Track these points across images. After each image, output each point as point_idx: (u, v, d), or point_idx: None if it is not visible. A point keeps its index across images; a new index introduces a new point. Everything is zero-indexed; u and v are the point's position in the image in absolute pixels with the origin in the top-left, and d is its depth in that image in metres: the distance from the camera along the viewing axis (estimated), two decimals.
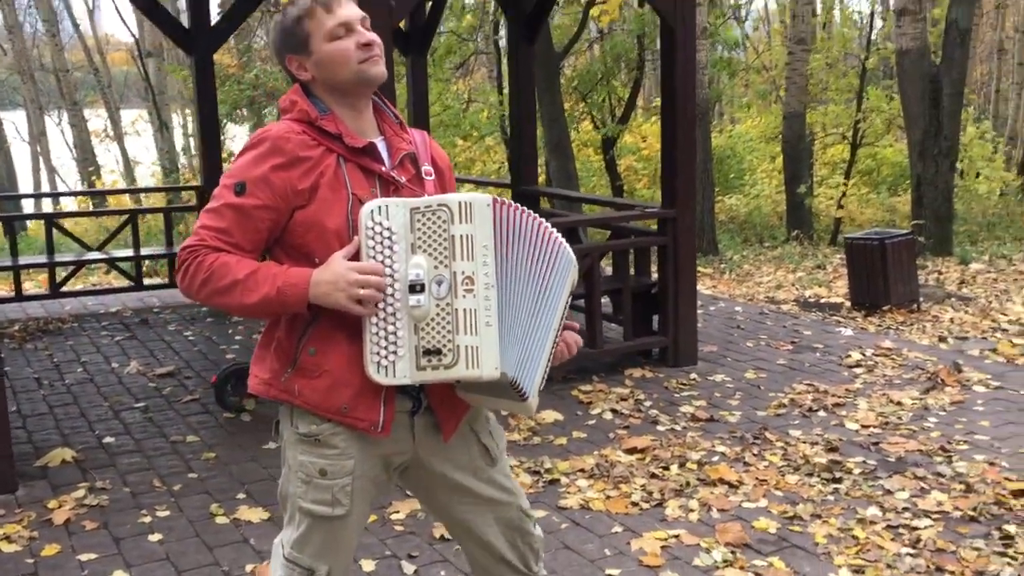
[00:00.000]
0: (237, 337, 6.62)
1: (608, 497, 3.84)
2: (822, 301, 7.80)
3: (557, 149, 13.08)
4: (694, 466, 4.13)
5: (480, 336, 1.85)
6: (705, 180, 13.69)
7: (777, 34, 22.52)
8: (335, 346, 1.95)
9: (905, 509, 3.66)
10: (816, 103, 17.48)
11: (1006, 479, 3.87)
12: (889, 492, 3.82)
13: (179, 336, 6.68)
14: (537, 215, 1.97)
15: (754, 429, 4.53)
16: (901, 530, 3.50)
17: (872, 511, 3.64)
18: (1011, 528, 3.45)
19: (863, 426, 4.55)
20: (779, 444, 4.35)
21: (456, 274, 1.85)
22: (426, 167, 2.09)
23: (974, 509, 3.62)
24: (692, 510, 3.71)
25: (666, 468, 4.12)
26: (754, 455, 4.23)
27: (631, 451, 4.31)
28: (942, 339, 6.28)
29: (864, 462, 4.11)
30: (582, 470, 4.12)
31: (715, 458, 4.21)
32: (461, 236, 1.86)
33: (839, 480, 3.94)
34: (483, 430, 2.16)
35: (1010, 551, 3.30)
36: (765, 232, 16.58)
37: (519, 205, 1.95)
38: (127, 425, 4.86)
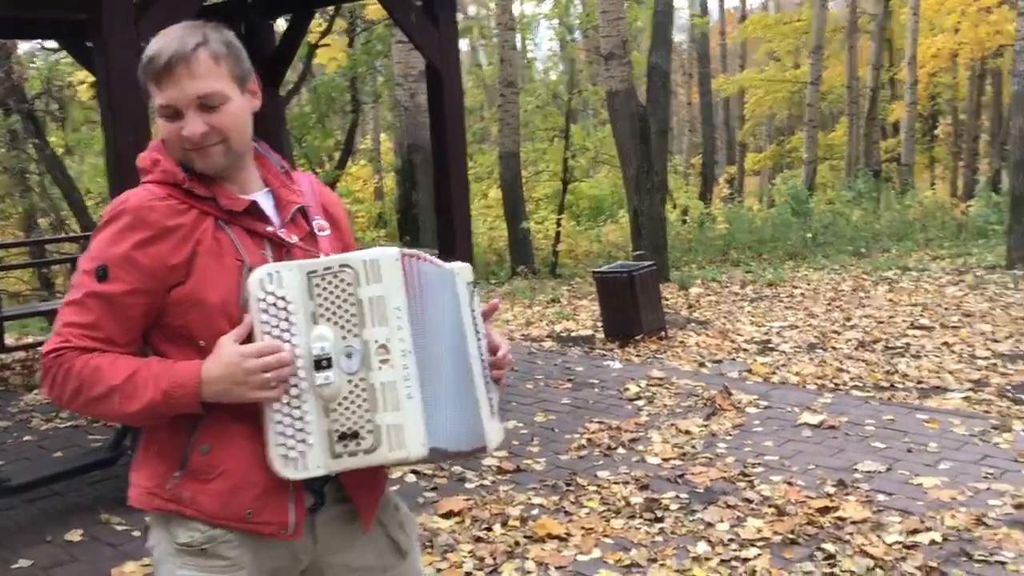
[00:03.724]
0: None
1: (439, 571, 3.58)
2: (575, 334, 7.98)
3: None
4: (517, 523, 3.96)
5: (402, 411, 1.61)
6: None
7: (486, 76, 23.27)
8: (232, 440, 1.65)
9: (731, 540, 3.71)
10: (527, 141, 18.20)
11: (808, 497, 4.06)
12: (710, 525, 3.87)
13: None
14: (436, 258, 1.78)
15: (563, 475, 4.45)
16: (734, 563, 3.54)
17: (702, 547, 3.66)
18: (829, 547, 3.59)
19: (664, 459, 4.62)
20: (592, 488, 4.30)
21: (368, 343, 1.61)
22: (318, 221, 1.81)
23: (792, 532, 3.74)
24: (530, 572, 3.54)
25: (489, 529, 3.92)
26: (572, 503, 4.14)
27: (448, 515, 4.07)
28: (701, 364, 6.60)
29: (677, 496, 4.15)
30: None
31: (535, 511, 4.07)
32: (370, 299, 1.62)
33: (661, 519, 3.94)
34: (392, 522, 1.89)
35: (837, 570, 3.43)
36: (486, 269, 16.95)
37: (421, 253, 1.74)
38: None
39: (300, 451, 1.62)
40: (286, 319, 1.63)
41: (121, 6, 3.94)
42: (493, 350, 1.85)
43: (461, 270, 1.83)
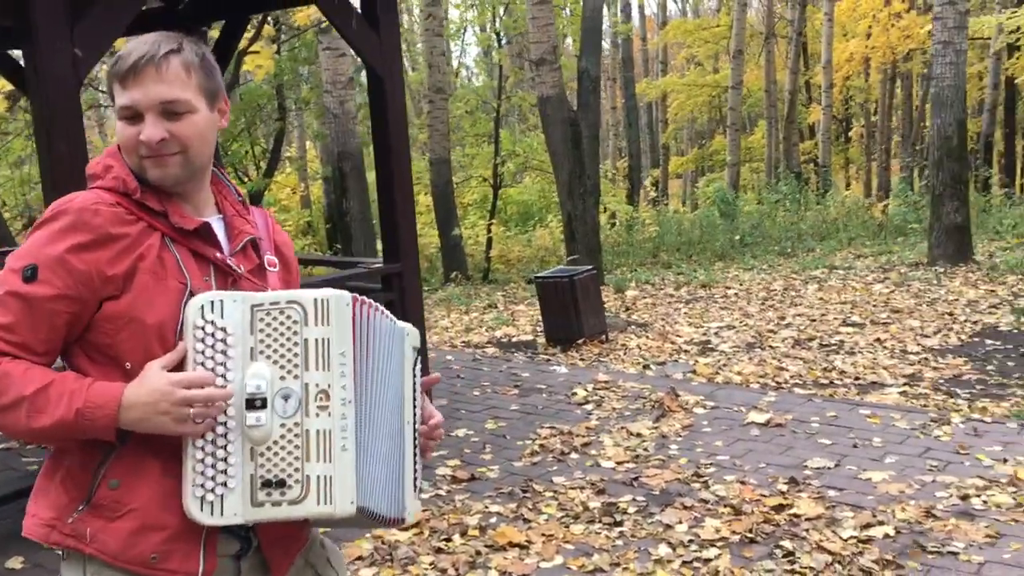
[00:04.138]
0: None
1: None
2: (516, 340, 7.98)
3: None
4: (476, 532, 3.93)
5: (334, 464, 1.54)
6: (367, 231, 13.64)
7: (412, 82, 23.15)
8: (145, 476, 1.54)
9: (691, 541, 3.74)
10: (456, 147, 18.15)
11: (762, 496, 4.11)
12: (669, 527, 3.89)
13: None
14: (382, 308, 1.71)
15: (519, 482, 4.43)
16: (696, 563, 3.57)
17: (663, 549, 3.68)
18: (787, 544, 3.64)
19: (618, 463, 4.63)
20: (549, 495, 4.29)
21: (308, 387, 1.53)
22: (269, 256, 1.74)
23: (750, 531, 3.79)
24: None
25: (449, 539, 3.88)
26: (530, 510, 4.13)
27: (405, 527, 4.01)
28: (645, 366, 6.66)
29: (634, 499, 4.16)
30: (360, 558, 3.75)
31: (493, 519, 4.04)
32: (316, 340, 1.54)
33: (620, 523, 3.95)
34: (320, 561, 1.81)
35: (797, 567, 3.48)
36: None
37: (372, 301, 1.67)
38: None
39: (218, 494, 1.51)
40: (223, 351, 1.53)
41: (55, 12, 3.80)
42: (427, 419, 1.80)
43: (411, 332, 1.76)
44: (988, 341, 7.02)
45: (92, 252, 1.52)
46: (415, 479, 1.75)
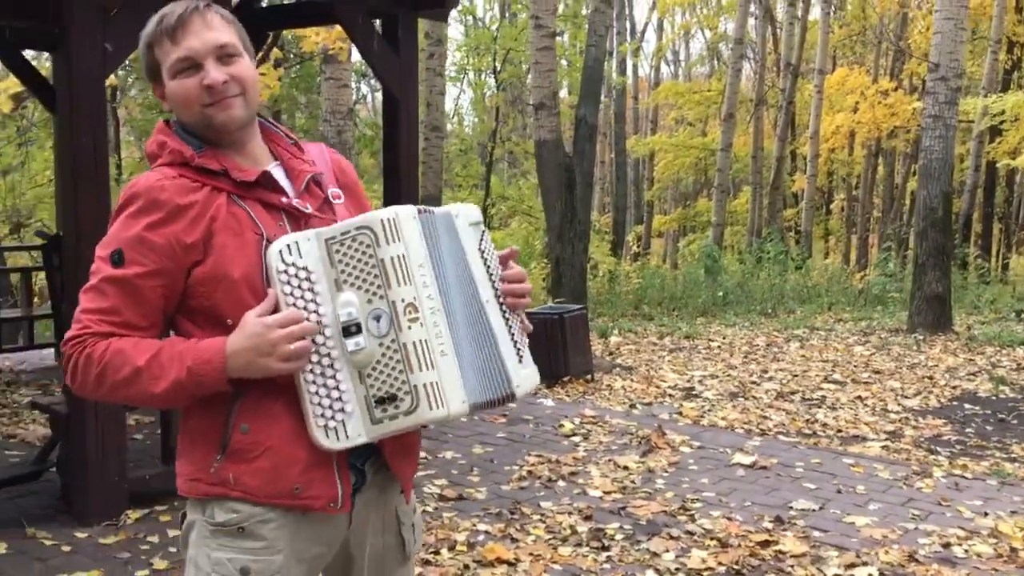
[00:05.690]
0: None
1: None
2: None
3: None
4: (464, 547, 3.94)
5: (438, 369, 1.60)
6: None
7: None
8: (271, 417, 1.63)
9: (677, 570, 3.77)
10: (448, 187, 18.30)
11: (748, 532, 4.15)
12: (656, 554, 3.92)
13: None
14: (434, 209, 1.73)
15: (507, 504, 4.45)
16: None
17: (650, 575, 3.71)
18: None
19: (605, 492, 4.66)
20: (536, 517, 4.31)
21: (395, 304, 1.59)
22: (333, 189, 1.80)
23: (736, 563, 3.82)
24: None
25: (437, 553, 3.89)
26: (518, 530, 4.14)
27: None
28: (631, 405, 6.71)
29: (621, 527, 4.19)
30: None
31: (481, 537, 4.06)
32: (392, 258, 1.59)
33: (607, 547, 3.97)
34: (407, 520, 1.87)
35: None
36: None
37: (429, 208, 1.71)
38: None
39: (340, 420, 1.60)
40: (310, 289, 1.61)
41: (91, 14, 3.90)
42: (509, 279, 1.76)
43: (460, 213, 1.75)
44: (967, 405, 7.14)
45: (167, 226, 1.60)
46: (517, 350, 1.73)
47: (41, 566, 3.67)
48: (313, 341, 1.60)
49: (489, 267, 1.74)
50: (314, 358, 1.60)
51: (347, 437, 1.60)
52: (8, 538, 3.89)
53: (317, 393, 1.60)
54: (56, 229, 6.78)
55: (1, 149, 15.14)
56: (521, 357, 1.75)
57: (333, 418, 1.60)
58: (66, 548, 3.82)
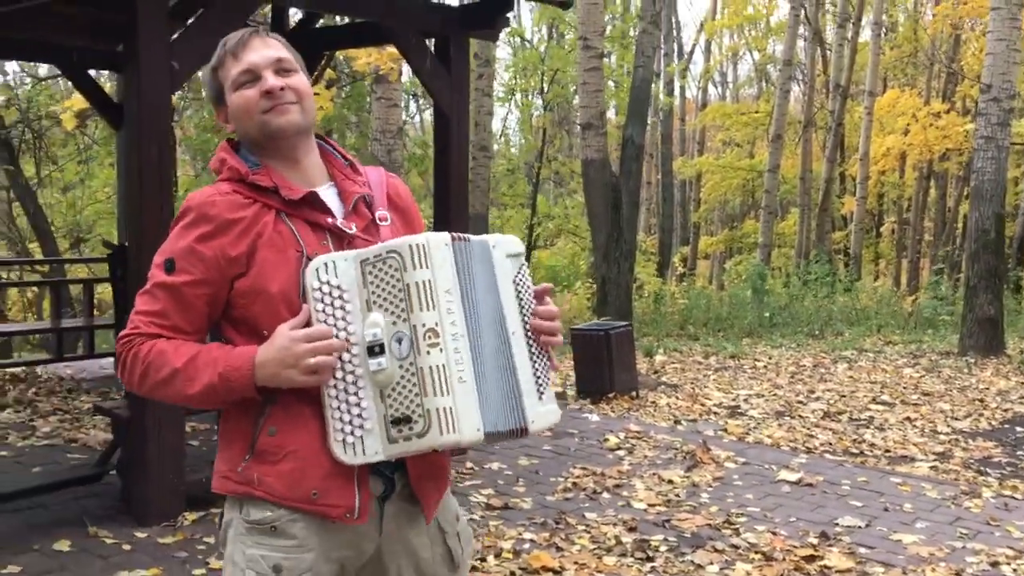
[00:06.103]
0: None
1: None
2: None
3: None
4: (510, 555, 4.01)
5: (454, 395, 1.63)
6: None
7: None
8: (299, 423, 1.71)
9: None
10: (495, 207, 18.47)
11: (793, 547, 4.16)
12: (700, 566, 3.95)
13: None
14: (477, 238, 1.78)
15: (552, 514, 4.51)
16: None
17: None
18: None
19: (649, 505, 4.70)
20: (581, 527, 4.36)
21: (416, 327, 1.64)
22: (380, 212, 1.87)
23: None
24: None
25: (483, 560, 3.96)
26: (563, 539, 4.20)
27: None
28: (676, 422, 6.73)
29: (666, 539, 4.23)
30: None
31: (527, 545, 4.12)
32: (418, 283, 1.64)
33: (652, 559, 4.01)
34: (451, 530, 1.92)
35: None
36: None
37: (469, 236, 1.76)
38: None
39: (359, 436, 1.66)
40: (342, 307, 1.68)
41: (158, 34, 4.08)
42: (542, 315, 1.80)
43: (499, 243, 1.78)
44: (1019, 428, 7.04)
45: (216, 239, 1.71)
46: (538, 385, 1.76)
47: (103, 563, 3.80)
48: (340, 358, 1.67)
49: (522, 300, 1.78)
50: (339, 374, 1.67)
51: (364, 453, 1.66)
52: (71, 536, 4.03)
53: (339, 408, 1.67)
54: (119, 241, 7.02)
55: (63, 166, 15.61)
56: (541, 394, 1.78)
57: (352, 433, 1.66)
58: (126, 547, 3.95)
